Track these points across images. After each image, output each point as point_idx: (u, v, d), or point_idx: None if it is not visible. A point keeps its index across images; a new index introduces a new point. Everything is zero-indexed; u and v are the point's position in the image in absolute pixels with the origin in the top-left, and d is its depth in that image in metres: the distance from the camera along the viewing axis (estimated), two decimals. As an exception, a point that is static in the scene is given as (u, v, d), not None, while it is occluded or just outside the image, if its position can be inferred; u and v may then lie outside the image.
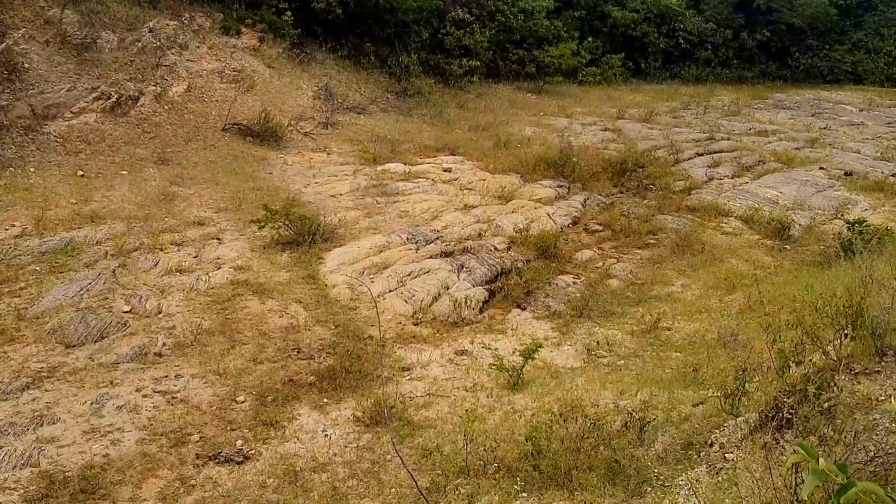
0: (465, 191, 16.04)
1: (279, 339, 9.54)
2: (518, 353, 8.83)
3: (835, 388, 4.55)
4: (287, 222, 12.34)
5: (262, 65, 20.61)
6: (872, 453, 3.63)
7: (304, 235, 12.34)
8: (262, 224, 12.12)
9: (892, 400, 3.94)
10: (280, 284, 10.98)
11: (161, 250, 11.55)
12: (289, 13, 21.60)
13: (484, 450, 6.70)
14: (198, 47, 19.33)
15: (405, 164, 17.17)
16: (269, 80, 20.22)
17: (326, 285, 11.16)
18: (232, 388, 8.39)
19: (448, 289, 11.51)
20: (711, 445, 5.43)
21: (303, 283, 11.16)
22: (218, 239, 12.22)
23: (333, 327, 9.95)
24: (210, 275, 10.96)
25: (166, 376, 8.51)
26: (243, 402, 8.16)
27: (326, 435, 7.55)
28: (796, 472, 2.96)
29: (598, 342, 10.12)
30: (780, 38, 34.72)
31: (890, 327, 4.94)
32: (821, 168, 19.40)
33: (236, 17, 21.23)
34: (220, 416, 7.85)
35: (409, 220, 14.15)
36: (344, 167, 16.77)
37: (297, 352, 9.27)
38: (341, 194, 15.03)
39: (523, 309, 11.38)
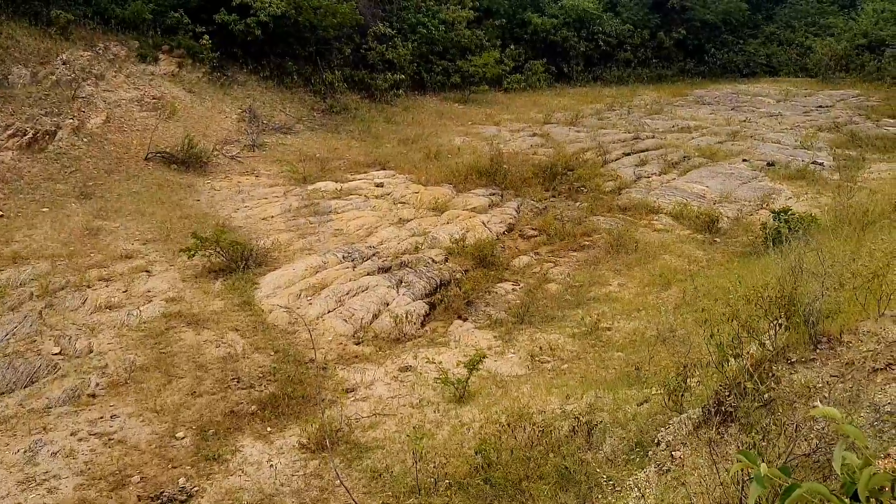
0: (399, 205, 15.97)
1: (217, 369, 9.31)
2: (462, 365, 8.79)
3: (773, 379, 4.60)
4: (218, 249, 12.07)
5: (183, 90, 20.25)
6: (814, 444, 3.67)
7: (237, 261, 12.10)
8: (193, 253, 11.84)
9: (820, 402, 3.99)
10: (215, 313, 10.74)
11: (88, 287, 11.18)
12: (206, 37, 21.27)
13: (434, 466, 6.63)
14: (114, 77, 18.89)
15: (336, 182, 17.02)
16: (190, 106, 19.86)
17: (263, 311, 10.95)
18: (171, 425, 8.16)
19: (388, 305, 11.41)
20: (658, 444, 5.45)
21: (238, 310, 10.93)
22: (147, 271, 11.90)
23: (273, 353, 9.76)
24: (141, 309, 10.65)
25: (101, 417, 8.23)
26: (183, 438, 7.93)
27: (272, 465, 7.38)
28: (743, 471, 2.96)
29: (540, 348, 10.15)
30: (696, 36, 35.56)
31: (822, 315, 5.03)
32: (744, 160, 19.87)
33: (152, 44, 20.82)
34: (160, 455, 7.61)
35: (343, 238, 14.00)
36: (274, 189, 16.54)
37: (237, 381, 9.06)
38: (272, 216, 14.81)
39: (465, 320, 11.35)
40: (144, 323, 10.32)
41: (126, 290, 11.22)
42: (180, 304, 10.92)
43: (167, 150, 17.20)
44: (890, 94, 29.30)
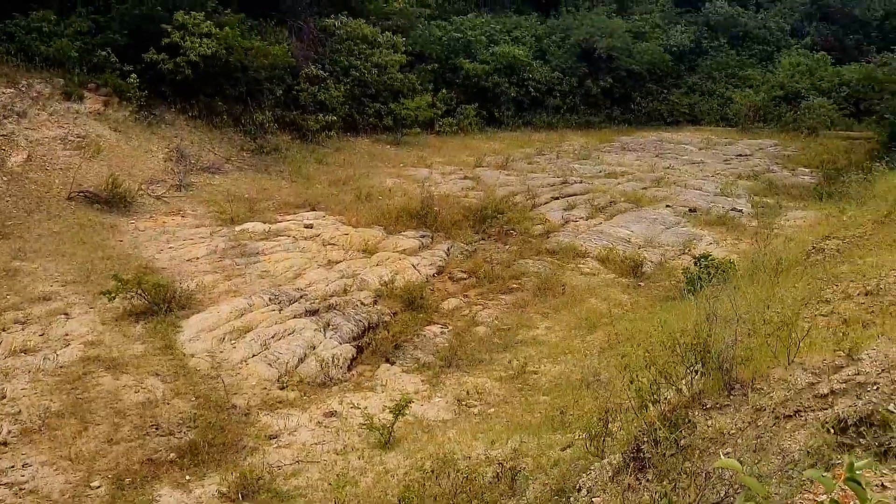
0: (328, 246, 15.88)
1: (136, 416, 9.05)
2: (388, 410, 8.74)
3: (689, 425, 4.69)
4: (140, 291, 11.80)
5: (108, 129, 19.87)
6: (723, 492, 3.75)
7: (160, 304, 11.84)
8: (113, 295, 11.55)
9: (729, 449, 4.09)
10: (135, 358, 10.46)
11: (3, 330, 10.80)
12: (134, 76, 20.97)
13: (356, 515, 6.54)
14: (37, 114, 18.46)
15: (265, 223, 16.85)
16: (116, 145, 19.48)
17: (185, 355, 10.71)
18: (86, 473, 7.89)
19: (314, 348, 11.29)
20: (580, 490, 5.48)
21: (159, 354, 10.67)
22: (66, 314, 11.54)
23: (194, 399, 9.54)
24: (58, 353, 10.32)
25: (13, 466, 7.92)
26: (99, 487, 7.68)
27: (190, 515, 7.19)
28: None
29: (467, 391, 10.17)
30: (622, 84, 36.50)
31: (735, 362, 5.17)
32: (667, 206, 20.39)
33: (78, 82, 20.41)
34: (74, 506, 7.35)
35: (270, 280, 13.84)
36: (200, 229, 16.29)
37: (156, 428, 8.83)
38: (198, 258, 14.55)
39: (392, 363, 11.31)
40: (61, 367, 9.99)
41: (43, 334, 10.86)
42: (99, 348, 10.62)
43: (91, 189, 16.82)
44: (805, 144, 30.48)
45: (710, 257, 13.25)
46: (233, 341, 11.20)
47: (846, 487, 2.15)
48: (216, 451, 8.34)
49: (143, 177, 18.65)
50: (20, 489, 7.56)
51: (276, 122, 24.42)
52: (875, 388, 4.14)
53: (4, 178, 16.01)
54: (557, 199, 20.85)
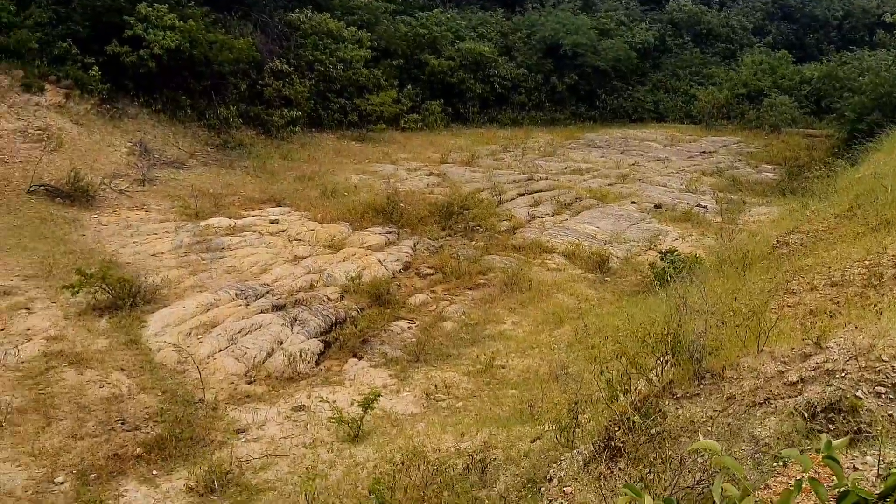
0: (294, 242, 15.78)
1: (100, 411, 8.92)
2: (357, 404, 8.72)
3: (660, 414, 4.75)
4: (104, 286, 11.63)
5: (70, 122, 19.53)
6: (698, 476, 3.80)
7: (124, 298, 11.67)
8: (77, 289, 11.37)
9: (701, 436, 4.14)
10: (99, 352, 10.30)
11: (-39, 326, 10.59)
12: (96, 68, 20.62)
13: (327, 508, 6.52)
14: (-4, 106, 18.10)
15: (230, 218, 16.70)
16: (77, 138, 19.17)
17: (150, 350, 10.59)
18: (49, 469, 7.76)
19: (282, 343, 11.22)
20: (550, 480, 5.52)
21: (124, 349, 10.52)
22: (27, 308, 11.34)
23: (160, 394, 9.43)
24: (19, 348, 10.12)
25: (-27, 464, 7.76)
26: (63, 483, 7.55)
27: (157, 510, 7.11)
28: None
29: (436, 386, 10.17)
30: (588, 81, 36.70)
31: (705, 351, 5.24)
32: (632, 202, 20.57)
33: (38, 74, 20.02)
34: (38, 501, 7.24)
35: (236, 275, 13.73)
36: (164, 224, 16.10)
37: (122, 423, 8.71)
38: (163, 253, 14.39)
39: (360, 358, 11.28)
40: (23, 363, 9.81)
41: (3, 329, 10.66)
42: (62, 343, 10.44)
43: (52, 183, 16.55)
44: (767, 141, 30.91)
45: (675, 252, 13.39)
46: (199, 336, 11.09)
47: (818, 470, 2.17)
48: (183, 446, 8.25)
49: (106, 171, 18.38)
50: (-19, 486, 7.42)
51: (240, 116, 24.21)
52: (843, 375, 4.22)
53: (-38, 171, 15.69)
54: (523, 195, 20.92)
